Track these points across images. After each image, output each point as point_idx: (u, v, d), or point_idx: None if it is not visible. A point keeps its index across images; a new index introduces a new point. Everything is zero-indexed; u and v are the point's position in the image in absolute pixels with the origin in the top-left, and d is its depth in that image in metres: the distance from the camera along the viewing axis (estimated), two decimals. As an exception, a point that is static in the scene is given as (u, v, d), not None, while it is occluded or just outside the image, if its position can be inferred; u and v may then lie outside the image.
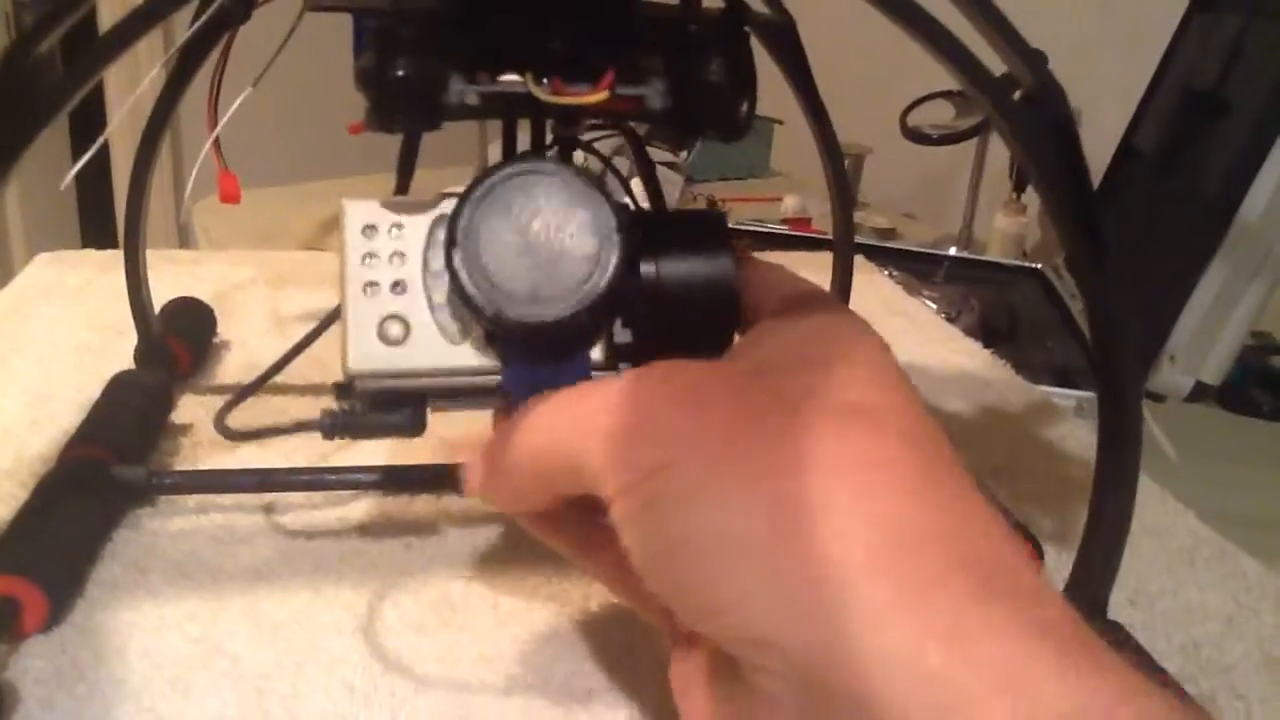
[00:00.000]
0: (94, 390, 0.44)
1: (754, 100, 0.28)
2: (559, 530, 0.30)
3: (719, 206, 1.59)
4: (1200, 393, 1.05)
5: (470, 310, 0.26)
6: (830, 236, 0.49)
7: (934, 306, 1.01)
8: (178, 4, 0.25)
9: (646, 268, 0.27)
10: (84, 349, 0.53)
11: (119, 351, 0.51)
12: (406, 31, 0.26)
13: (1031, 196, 1.51)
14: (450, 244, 0.26)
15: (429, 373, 0.28)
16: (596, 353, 0.27)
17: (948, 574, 0.20)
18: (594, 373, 0.27)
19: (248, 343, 0.56)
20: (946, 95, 1.51)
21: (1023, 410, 0.56)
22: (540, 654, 0.33)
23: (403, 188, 0.32)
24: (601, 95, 0.26)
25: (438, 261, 0.27)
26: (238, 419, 0.45)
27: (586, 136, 0.33)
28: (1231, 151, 1.07)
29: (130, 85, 0.35)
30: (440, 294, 0.27)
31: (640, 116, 0.28)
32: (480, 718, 0.30)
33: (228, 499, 0.40)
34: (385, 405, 0.29)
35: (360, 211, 0.27)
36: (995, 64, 0.27)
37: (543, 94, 0.26)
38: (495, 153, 0.29)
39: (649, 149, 0.34)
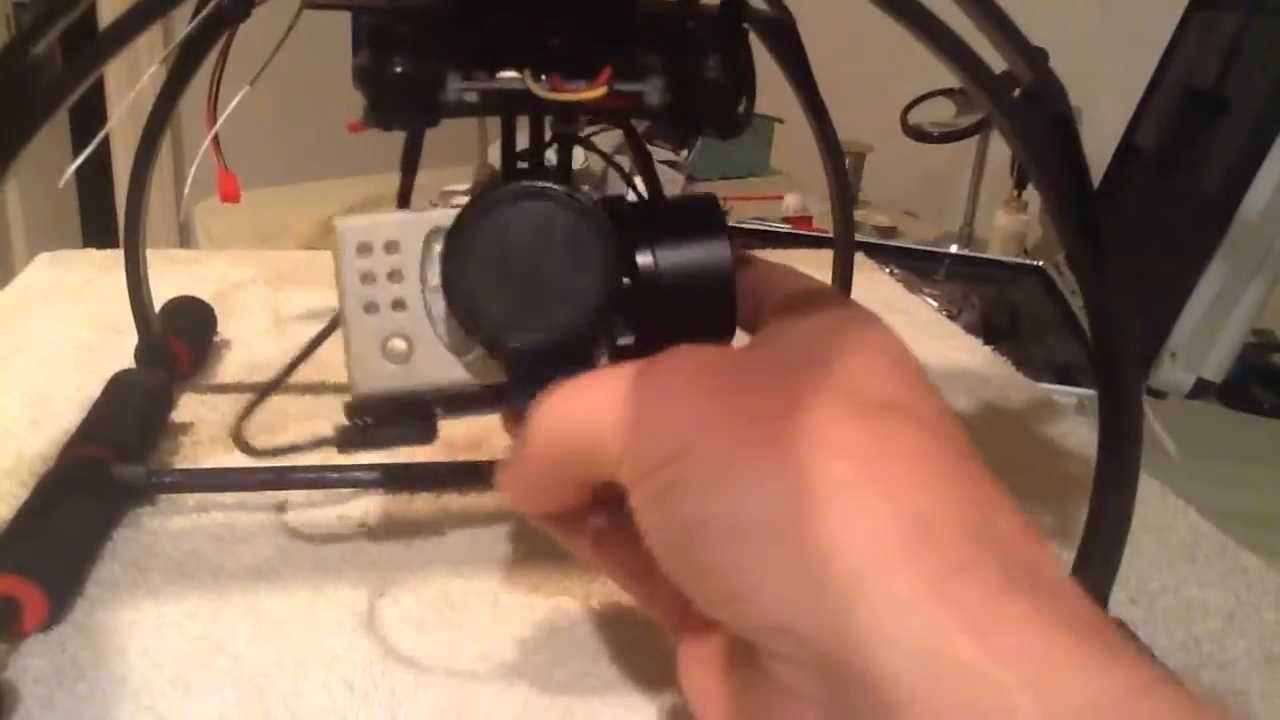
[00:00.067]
0: (94, 389, 0.44)
1: (752, 97, 0.28)
2: (574, 529, 0.30)
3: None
4: (1201, 390, 1.05)
5: (470, 335, 0.27)
6: (831, 235, 0.49)
7: (935, 304, 1.01)
8: (176, 1, 0.25)
9: (643, 259, 0.27)
10: (84, 348, 0.53)
11: (119, 351, 0.51)
12: (404, 29, 0.26)
13: (1032, 194, 1.51)
14: (447, 274, 0.26)
15: (435, 388, 0.28)
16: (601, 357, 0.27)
17: (972, 565, 0.20)
18: None
19: (248, 342, 0.56)
20: (947, 93, 1.51)
21: (1023, 407, 0.56)
22: (540, 652, 0.33)
23: (407, 187, 0.32)
24: (599, 91, 0.26)
25: (436, 276, 0.27)
26: (247, 426, 0.45)
27: (586, 133, 0.33)
28: (1232, 149, 1.07)
29: (130, 83, 0.35)
30: (440, 307, 0.27)
31: (638, 113, 0.28)
32: (480, 715, 0.30)
33: (228, 498, 0.40)
34: (395, 418, 0.29)
35: (354, 232, 0.27)
36: (995, 62, 0.27)
37: (541, 90, 0.26)
38: (495, 152, 0.29)
39: (650, 148, 0.34)
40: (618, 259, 0.26)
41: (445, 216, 0.27)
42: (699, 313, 0.26)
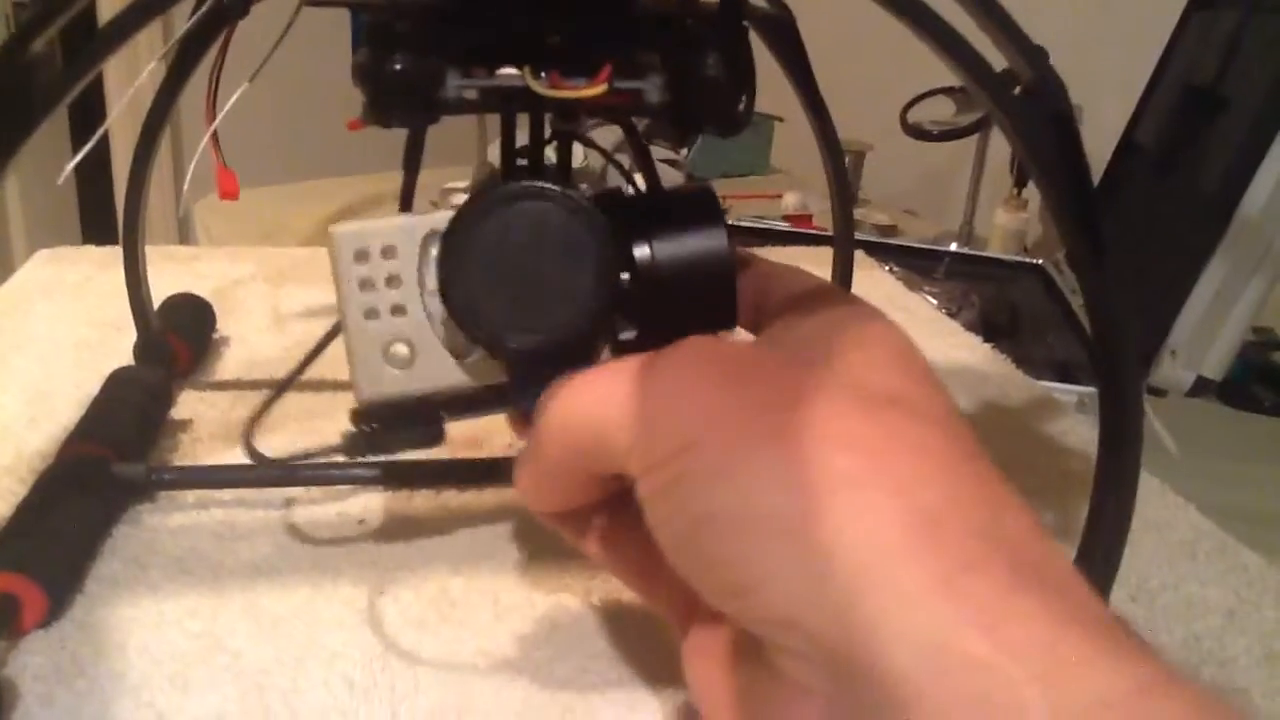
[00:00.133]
0: (93, 386, 0.44)
1: (753, 95, 0.28)
2: (580, 526, 0.30)
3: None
4: (1201, 388, 1.05)
5: (470, 339, 0.27)
6: (831, 233, 0.49)
7: (935, 302, 1.01)
8: (175, -2, 0.25)
9: (640, 252, 0.27)
10: (83, 345, 0.53)
11: (118, 348, 0.51)
12: (403, 26, 0.26)
13: (1032, 192, 1.51)
14: (444, 278, 0.26)
15: (439, 391, 0.28)
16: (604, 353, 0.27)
17: (982, 560, 0.20)
18: None
19: (247, 339, 0.56)
20: (947, 91, 1.51)
21: (1023, 405, 0.56)
22: (541, 648, 0.33)
23: (409, 186, 0.32)
24: (599, 89, 0.26)
25: (434, 280, 0.27)
26: (244, 422, 0.45)
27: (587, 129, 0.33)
28: (1232, 147, 1.07)
29: (129, 80, 0.35)
30: (441, 310, 0.27)
31: (638, 110, 0.28)
32: (481, 712, 0.30)
33: (227, 495, 0.40)
34: (401, 422, 0.29)
35: (350, 239, 0.27)
36: (996, 60, 0.27)
37: (540, 88, 0.26)
38: (495, 151, 0.29)
39: (649, 146, 0.34)
40: (614, 256, 0.26)
41: (441, 220, 0.27)
42: (699, 303, 0.26)
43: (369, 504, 0.40)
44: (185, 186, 0.39)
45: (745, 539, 0.21)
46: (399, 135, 0.31)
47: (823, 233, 1.37)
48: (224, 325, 0.56)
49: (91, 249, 0.68)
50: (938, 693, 0.18)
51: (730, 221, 0.28)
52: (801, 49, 0.40)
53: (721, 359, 0.24)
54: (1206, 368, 1.04)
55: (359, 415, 0.29)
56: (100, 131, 0.33)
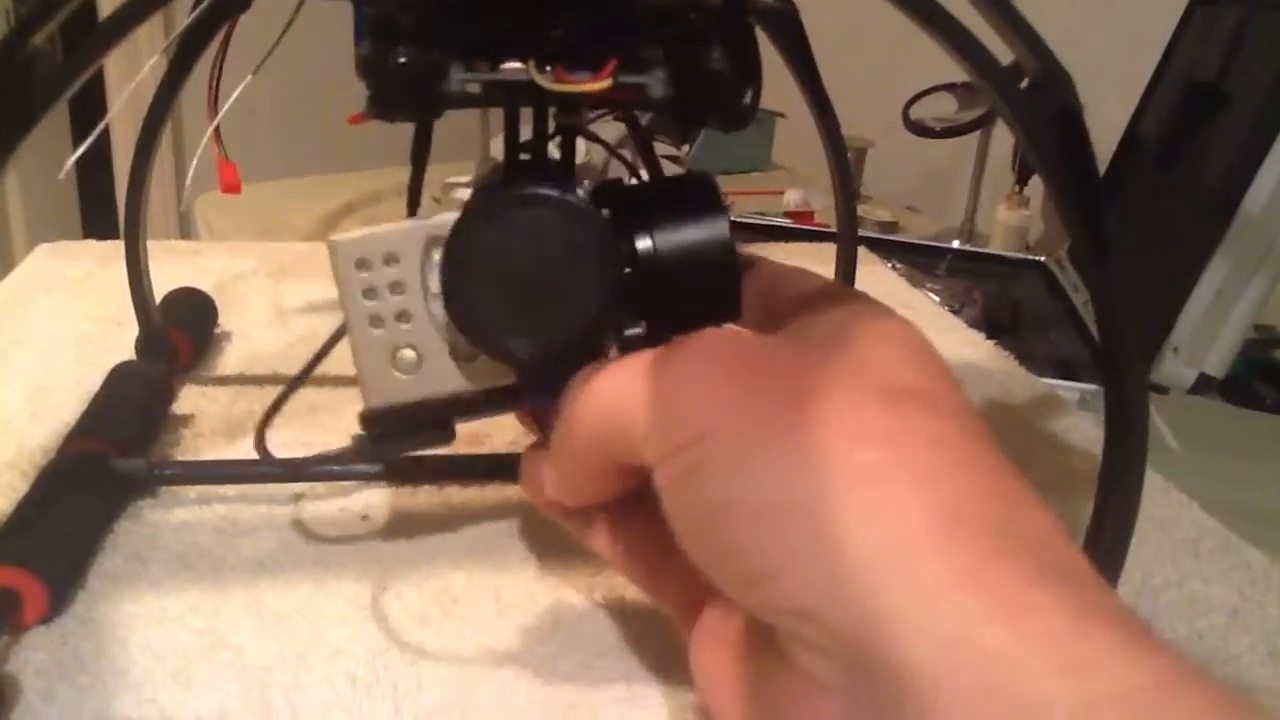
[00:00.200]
0: (95, 381, 0.44)
1: (758, 89, 0.28)
2: (587, 521, 0.30)
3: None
4: (1203, 385, 1.05)
5: (476, 346, 0.27)
6: (833, 229, 0.49)
7: (937, 299, 1.00)
8: (177, -9, 0.25)
9: (642, 243, 0.27)
10: (84, 340, 0.53)
11: (120, 343, 0.51)
12: (406, 19, 0.26)
13: (1034, 189, 1.51)
14: (446, 288, 0.26)
15: (448, 394, 0.28)
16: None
17: (1003, 554, 0.20)
18: None
19: (249, 334, 0.56)
20: (949, 88, 1.51)
21: (1026, 402, 0.55)
22: (544, 645, 0.33)
23: (417, 181, 0.32)
24: (604, 83, 0.26)
25: (436, 284, 0.27)
26: (245, 418, 0.45)
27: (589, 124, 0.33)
28: (1235, 143, 1.07)
29: (131, 74, 0.35)
30: (444, 314, 0.27)
31: (642, 105, 0.28)
32: (483, 709, 0.30)
33: (229, 490, 0.40)
34: (411, 424, 0.29)
35: (351, 248, 0.27)
36: (999, 57, 0.27)
37: (545, 82, 0.26)
38: (497, 145, 0.29)
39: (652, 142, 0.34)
40: (615, 257, 0.26)
41: (441, 223, 0.27)
42: (702, 293, 0.26)
43: (372, 500, 0.40)
44: (188, 181, 0.39)
45: (764, 527, 0.21)
46: (401, 130, 0.31)
47: (826, 229, 1.37)
48: (225, 320, 0.56)
49: (92, 244, 0.68)
50: (957, 685, 0.18)
51: (732, 218, 0.28)
52: (806, 43, 0.40)
53: (740, 348, 0.24)
54: (1209, 365, 1.03)
55: (368, 420, 0.29)
56: (101, 126, 0.33)
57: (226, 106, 0.34)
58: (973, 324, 0.70)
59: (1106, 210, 0.27)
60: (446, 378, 0.28)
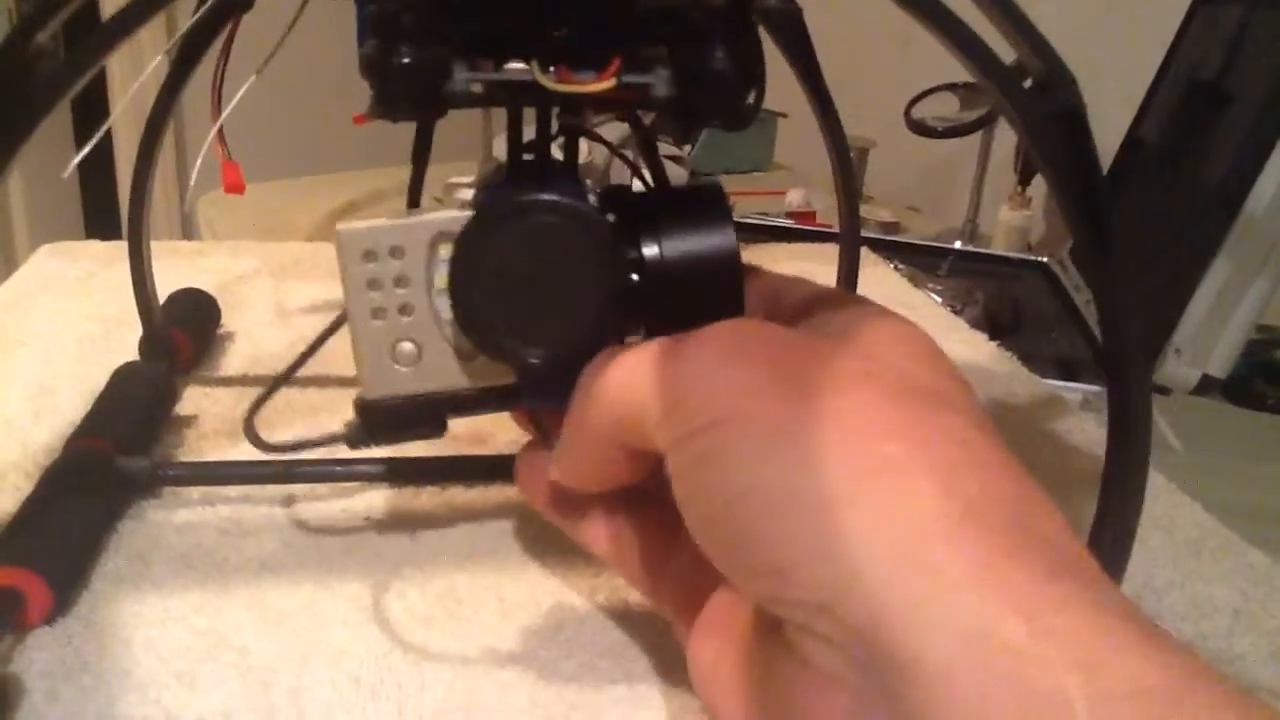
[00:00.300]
0: (98, 382, 0.44)
1: (762, 89, 0.28)
2: (585, 521, 0.30)
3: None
4: (1206, 386, 1.05)
5: (483, 352, 0.27)
6: (836, 230, 0.49)
7: (939, 299, 1.00)
8: (181, -9, 0.25)
9: (649, 250, 0.27)
10: (87, 340, 0.53)
11: (123, 343, 0.51)
12: (410, 19, 0.26)
13: (1036, 190, 1.50)
14: (455, 295, 0.26)
15: (445, 390, 0.28)
16: None
17: (1019, 550, 0.20)
18: None
19: (251, 334, 0.56)
20: (951, 88, 1.51)
21: (1028, 403, 0.55)
22: (547, 646, 0.33)
23: (418, 180, 0.32)
24: (608, 83, 0.26)
25: (441, 280, 0.27)
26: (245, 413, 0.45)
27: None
28: (1237, 143, 1.06)
29: (133, 74, 0.35)
30: (448, 310, 0.27)
31: (646, 105, 0.28)
32: (486, 710, 0.30)
33: (233, 491, 0.40)
34: (405, 418, 0.29)
35: (358, 238, 0.27)
36: (1004, 55, 0.27)
37: (548, 82, 0.26)
38: (500, 145, 0.29)
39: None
40: (622, 267, 0.26)
41: (448, 220, 0.27)
42: (706, 302, 0.26)
43: (374, 501, 0.40)
44: (191, 181, 0.39)
45: (782, 517, 0.21)
46: (404, 129, 0.31)
47: (828, 229, 1.37)
48: (228, 320, 0.56)
49: (95, 244, 0.68)
50: (973, 679, 0.18)
51: (734, 218, 0.28)
52: (808, 43, 0.40)
53: (760, 337, 0.24)
54: (1211, 366, 1.03)
55: (362, 410, 0.29)
56: (105, 127, 0.33)
57: (230, 107, 0.34)
58: (975, 324, 0.70)
59: (1109, 211, 0.27)
60: (445, 373, 0.28)
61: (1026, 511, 0.21)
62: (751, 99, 0.28)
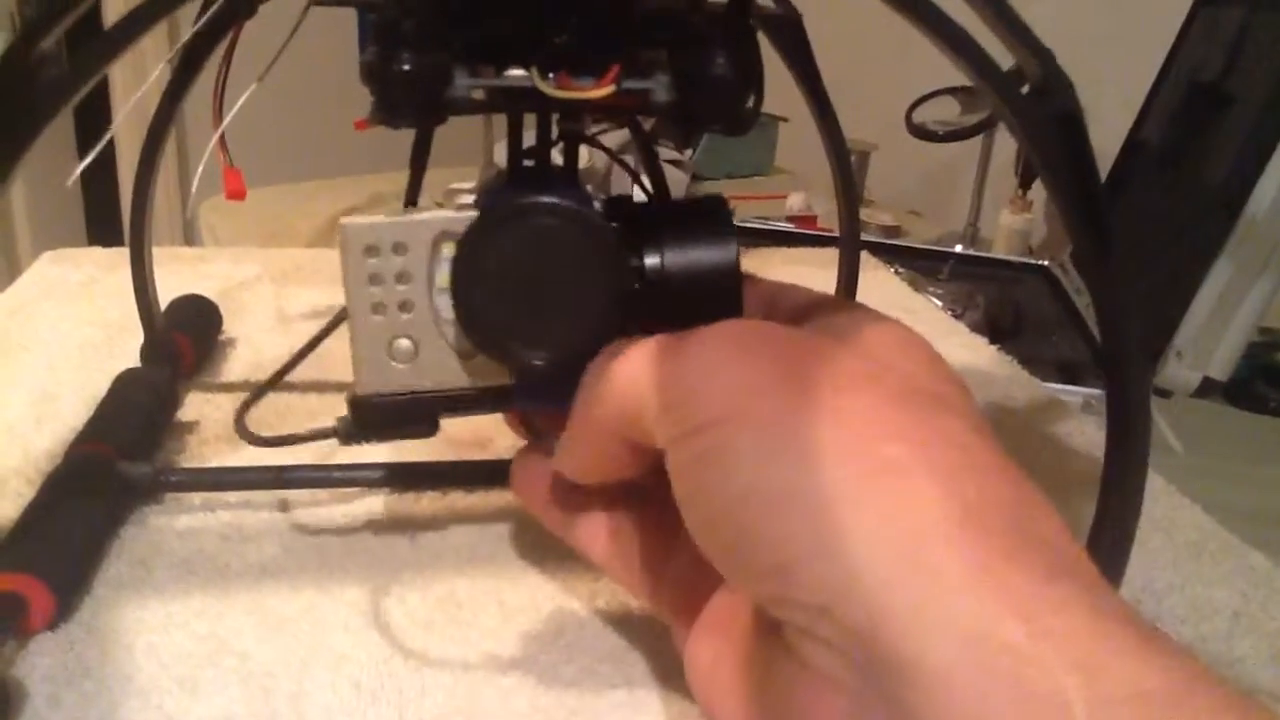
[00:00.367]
0: (100, 388, 0.44)
1: (760, 94, 0.28)
2: (582, 526, 0.30)
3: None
4: (1207, 388, 1.05)
5: (486, 354, 0.27)
6: (836, 234, 0.49)
7: (939, 303, 1.00)
8: (182, 0, 0.25)
9: (650, 260, 0.27)
10: (89, 346, 0.53)
11: (124, 349, 0.51)
12: (410, 26, 0.26)
13: (1037, 193, 1.51)
14: (458, 295, 0.26)
15: (440, 388, 0.28)
16: None
17: (1020, 553, 0.20)
18: None
19: (253, 340, 0.56)
20: (952, 92, 1.51)
21: (1029, 406, 0.55)
22: (548, 651, 0.33)
23: (415, 185, 0.32)
24: (607, 90, 0.26)
25: (442, 278, 0.27)
26: (251, 421, 0.45)
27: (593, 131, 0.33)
28: (1238, 146, 1.06)
29: (136, 81, 0.35)
30: (447, 309, 0.27)
31: (645, 110, 0.28)
32: (487, 715, 0.30)
33: (234, 496, 0.40)
34: (398, 414, 0.29)
35: (361, 233, 0.27)
36: (1002, 60, 0.27)
37: (548, 88, 0.26)
38: (500, 151, 0.29)
39: (654, 146, 0.34)
40: (627, 275, 0.26)
41: (452, 219, 0.27)
42: (705, 314, 0.26)
43: (375, 505, 0.40)
44: (193, 188, 0.39)
45: (785, 515, 0.21)
46: (406, 135, 0.31)
47: (828, 234, 1.37)
48: (230, 326, 0.56)
49: (97, 250, 0.68)
50: (973, 681, 0.18)
51: (735, 222, 0.28)
52: (808, 49, 0.40)
53: (764, 336, 0.24)
54: (1212, 368, 1.03)
55: (355, 405, 0.29)
56: (108, 135, 0.33)
57: (231, 114, 0.34)
58: (975, 328, 0.70)
59: (1108, 214, 0.27)
60: (441, 372, 0.28)
61: (1025, 515, 0.21)
62: (751, 104, 0.28)
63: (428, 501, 0.41)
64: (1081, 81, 0.26)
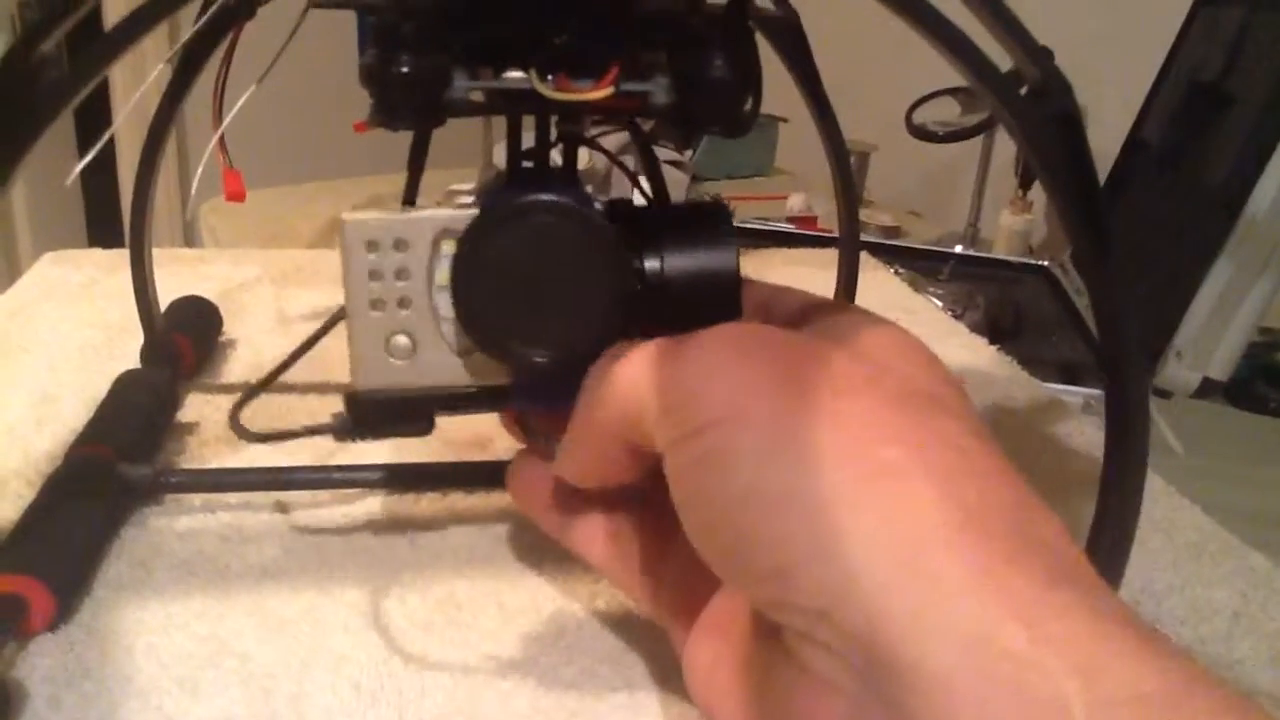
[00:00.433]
0: (100, 389, 0.44)
1: (759, 96, 0.28)
2: (580, 530, 0.30)
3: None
4: (1207, 389, 1.05)
5: (486, 353, 0.27)
6: (836, 235, 0.49)
7: (940, 304, 1.00)
8: (182, 1, 0.25)
9: (651, 264, 0.27)
10: (89, 348, 0.53)
11: (125, 350, 0.51)
12: (409, 28, 0.26)
13: (1037, 193, 1.51)
14: (458, 292, 0.26)
15: (437, 386, 0.28)
16: None
17: (1020, 556, 0.20)
18: None
19: (253, 341, 0.56)
20: (952, 92, 1.51)
21: (1029, 407, 0.55)
22: (547, 652, 0.33)
23: (413, 187, 0.32)
24: (606, 91, 0.26)
25: (442, 276, 0.27)
26: (246, 418, 0.45)
27: (593, 133, 0.33)
28: (1238, 146, 1.06)
29: (136, 82, 0.35)
30: (446, 307, 0.27)
31: (644, 112, 0.28)
32: (487, 716, 0.30)
33: (234, 498, 0.40)
34: (394, 411, 0.29)
35: (363, 229, 0.27)
36: (1001, 61, 0.27)
37: (547, 90, 0.26)
38: (500, 152, 0.29)
39: (654, 147, 0.34)
40: (628, 271, 0.27)
41: (454, 218, 0.27)
42: (704, 319, 0.26)
43: (375, 507, 0.40)
44: (193, 189, 0.39)
45: (783, 518, 0.21)
46: (406, 137, 0.31)
47: (828, 234, 1.37)
48: (230, 327, 0.56)
49: (97, 252, 0.68)
50: (974, 686, 0.18)
51: (735, 223, 0.28)
52: (807, 50, 0.40)
53: (762, 339, 0.24)
54: (1212, 369, 1.03)
55: (352, 401, 0.29)
56: (107, 135, 0.33)
57: (231, 115, 0.34)
58: (975, 329, 0.70)
59: (1106, 215, 0.27)
60: (438, 369, 0.28)
61: (1025, 518, 0.21)
62: (750, 105, 0.28)
63: (427, 503, 0.41)
64: (1081, 82, 0.26)
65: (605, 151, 0.33)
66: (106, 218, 2.02)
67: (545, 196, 0.26)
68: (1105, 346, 0.29)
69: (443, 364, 0.28)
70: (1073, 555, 0.21)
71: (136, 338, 0.49)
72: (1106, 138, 1.27)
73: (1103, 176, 0.29)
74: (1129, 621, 0.19)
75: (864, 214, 1.57)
